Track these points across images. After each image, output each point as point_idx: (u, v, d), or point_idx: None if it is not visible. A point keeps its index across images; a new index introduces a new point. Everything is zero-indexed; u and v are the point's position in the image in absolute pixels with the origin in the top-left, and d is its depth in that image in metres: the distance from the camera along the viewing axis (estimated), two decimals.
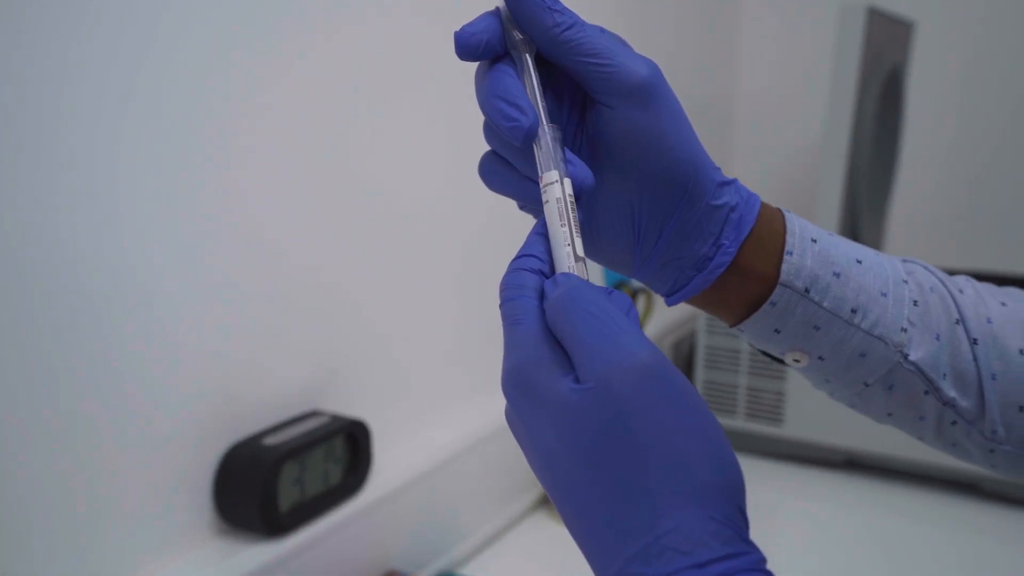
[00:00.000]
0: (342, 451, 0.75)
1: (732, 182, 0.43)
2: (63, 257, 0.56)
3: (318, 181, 0.75)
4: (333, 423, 0.74)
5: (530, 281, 0.37)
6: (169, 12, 0.60)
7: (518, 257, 0.38)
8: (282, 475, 0.68)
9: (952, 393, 0.46)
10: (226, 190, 0.67)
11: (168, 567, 0.64)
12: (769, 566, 0.33)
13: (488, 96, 0.38)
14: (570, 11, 0.39)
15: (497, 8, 0.39)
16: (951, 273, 0.50)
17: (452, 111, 0.89)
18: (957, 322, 0.46)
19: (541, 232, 0.38)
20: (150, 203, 0.61)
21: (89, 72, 0.56)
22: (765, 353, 0.48)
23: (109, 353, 0.59)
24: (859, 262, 0.45)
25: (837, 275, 0.43)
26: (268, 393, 0.73)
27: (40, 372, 0.55)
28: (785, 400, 1.17)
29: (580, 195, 0.39)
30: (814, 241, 0.44)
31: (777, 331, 0.44)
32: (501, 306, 0.37)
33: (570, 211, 0.38)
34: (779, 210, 0.45)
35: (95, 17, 0.56)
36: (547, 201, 0.38)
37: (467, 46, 0.38)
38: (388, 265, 0.84)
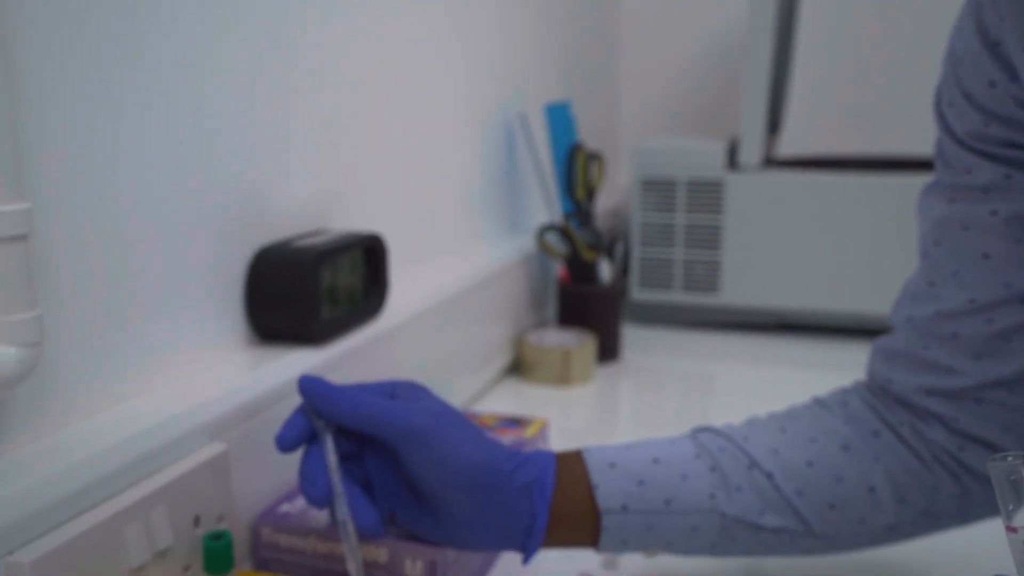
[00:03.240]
0: (362, 267, 0.70)
1: (523, 461, 0.53)
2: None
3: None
4: (351, 236, 0.68)
5: None
6: None
7: None
8: (321, 277, 0.63)
9: (776, 522, 0.55)
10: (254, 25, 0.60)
11: (203, 375, 0.57)
12: None
13: (299, 472, 0.51)
14: (352, 391, 0.51)
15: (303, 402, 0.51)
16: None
17: None
18: (750, 467, 0.55)
19: None
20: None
21: None
22: None
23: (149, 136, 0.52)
24: (656, 461, 0.55)
25: (641, 483, 0.54)
26: (278, 208, 0.66)
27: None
28: (720, 269, 1.22)
29: (368, 536, 0.50)
30: (613, 465, 0.54)
31: (624, 542, 0.54)
32: None
33: None
34: (578, 452, 0.55)
35: None
36: None
37: (283, 447, 0.51)
38: (399, 90, 0.79)
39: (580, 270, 1.07)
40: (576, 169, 1.07)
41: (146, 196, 0.52)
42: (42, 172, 0.45)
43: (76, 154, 0.47)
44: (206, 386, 0.55)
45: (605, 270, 1.08)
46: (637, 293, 1.26)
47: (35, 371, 0.43)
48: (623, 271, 1.28)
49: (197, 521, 0.50)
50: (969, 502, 0.57)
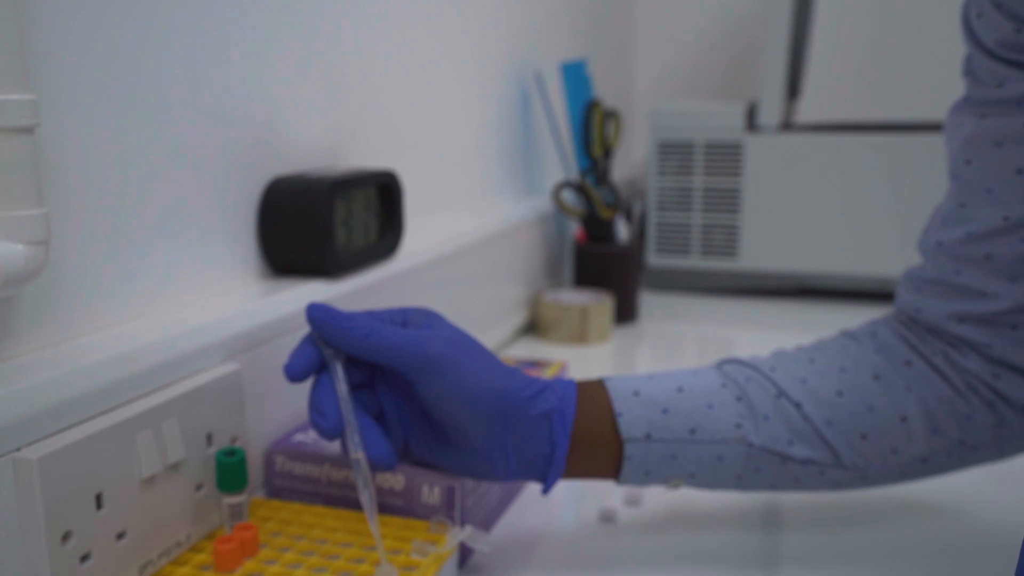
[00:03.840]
0: (377, 205, 0.69)
1: (543, 389, 0.51)
2: None
3: None
4: (366, 171, 0.67)
5: None
6: None
7: None
8: (335, 206, 0.61)
9: (804, 452, 0.53)
10: None
11: (215, 300, 0.56)
12: None
13: (308, 403, 0.49)
14: (363, 319, 0.49)
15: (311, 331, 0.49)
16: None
17: None
18: (777, 396, 0.54)
19: None
20: None
21: None
22: None
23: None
24: (680, 390, 0.54)
25: (666, 411, 0.53)
26: (292, 142, 0.65)
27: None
28: (739, 233, 1.20)
29: (380, 468, 0.48)
30: (636, 394, 0.53)
31: (647, 473, 0.53)
32: None
33: None
34: (600, 381, 0.54)
35: None
36: None
37: (292, 377, 0.48)
38: (413, 45, 0.78)
39: (597, 229, 1.05)
40: (593, 126, 1.05)
41: (160, 113, 0.51)
42: (53, 74, 0.43)
43: (90, 59, 0.46)
44: (218, 309, 0.54)
45: (622, 230, 1.06)
46: (654, 259, 1.24)
47: (42, 273, 0.41)
48: (640, 235, 1.27)
49: (209, 439, 0.49)
50: (1005, 433, 0.55)
